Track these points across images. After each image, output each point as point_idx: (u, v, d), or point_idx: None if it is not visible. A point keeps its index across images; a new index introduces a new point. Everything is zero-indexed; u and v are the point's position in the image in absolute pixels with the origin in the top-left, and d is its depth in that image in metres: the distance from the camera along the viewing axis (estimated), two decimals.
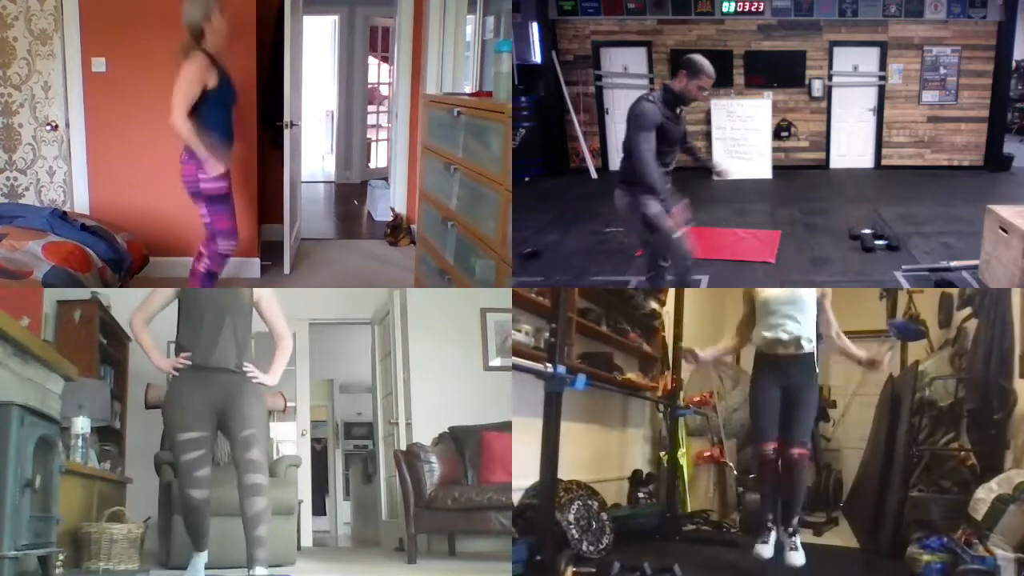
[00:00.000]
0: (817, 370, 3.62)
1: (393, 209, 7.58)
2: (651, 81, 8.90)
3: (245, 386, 3.46)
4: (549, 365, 3.28)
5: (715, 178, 3.86)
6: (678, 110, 3.65)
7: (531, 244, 5.89)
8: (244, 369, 3.48)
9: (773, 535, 3.55)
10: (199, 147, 4.53)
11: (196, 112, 4.56)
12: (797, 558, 3.52)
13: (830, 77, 8.94)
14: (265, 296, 3.64)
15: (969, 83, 8.79)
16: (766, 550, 3.54)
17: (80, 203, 5.73)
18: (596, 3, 8.88)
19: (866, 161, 9.15)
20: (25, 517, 2.58)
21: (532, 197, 7.66)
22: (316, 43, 10.75)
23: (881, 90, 8.95)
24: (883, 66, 8.85)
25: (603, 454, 4.84)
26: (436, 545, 5.40)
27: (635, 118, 3.60)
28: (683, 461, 5.16)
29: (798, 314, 3.53)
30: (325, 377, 8.81)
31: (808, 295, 3.57)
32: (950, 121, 8.95)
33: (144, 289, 5.05)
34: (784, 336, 3.51)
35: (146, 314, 3.59)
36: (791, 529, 3.53)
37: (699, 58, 3.66)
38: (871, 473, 4.76)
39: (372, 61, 11.29)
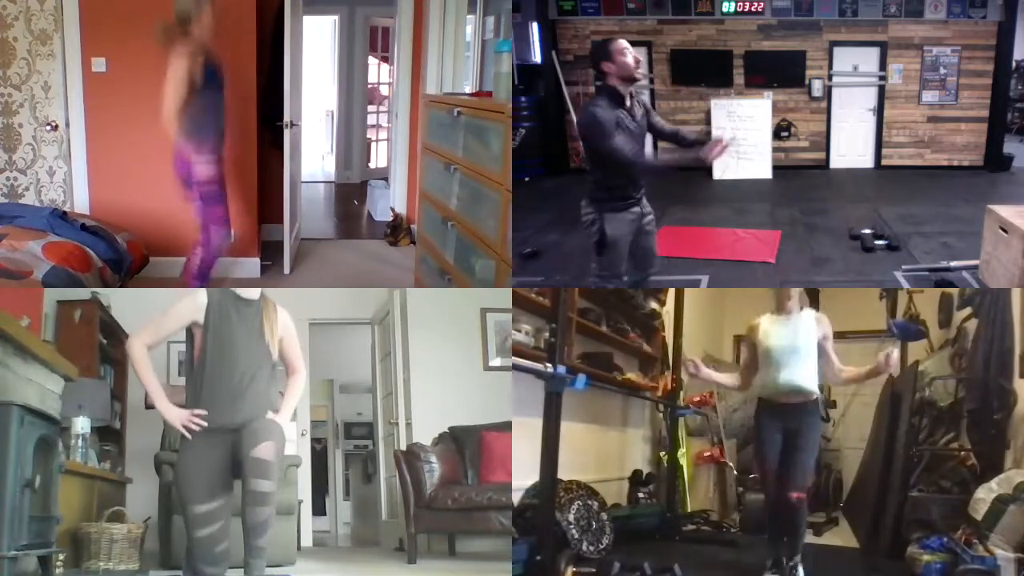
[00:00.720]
0: (822, 413, 3.60)
1: (393, 209, 7.58)
2: (651, 81, 8.90)
3: (263, 429, 3.03)
4: (549, 365, 3.28)
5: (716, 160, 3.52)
6: (629, 104, 3.39)
7: (531, 244, 5.89)
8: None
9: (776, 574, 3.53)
10: (187, 148, 4.54)
11: (186, 104, 4.56)
12: None
13: (830, 77, 8.94)
14: (288, 334, 3.22)
15: (969, 83, 8.79)
16: None
17: (80, 203, 5.73)
18: (596, 3, 8.88)
19: (866, 161, 9.15)
20: (25, 517, 2.59)
21: (532, 197, 7.66)
22: (316, 43, 10.75)
23: (881, 90, 8.95)
24: (883, 66, 8.86)
25: (603, 454, 4.84)
26: (436, 545, 5.40)
27: (591, 127, 3.32)
28: (683, 461, 5.16)
29: (800, 363, 3.47)
30: (325, 377, 8.81)
31: (809, 342, 3.49)
32: (950, 121, 8.95)
33: (144, 289, 5.07)
34: (785, 386, 3.47)
35: (150, 339, 3.10)
36: (792, 563, 3.49)
37: (598, 42, 3.46)
38: (871, 473, 4.77)
39: (372, 61, 11.29)
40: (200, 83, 4.50)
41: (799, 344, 3.49)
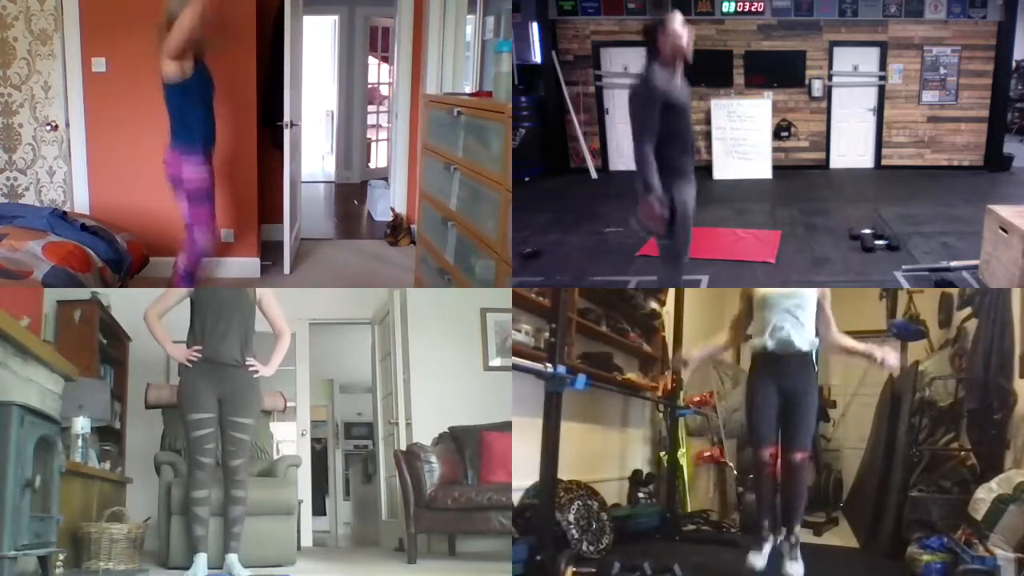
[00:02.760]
0: (817, 369, 3.49)
1: (393, 209, 7.58)
2: None
3: (245, 381, 3.86)
4: (549, 365, 3.28)
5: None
6: (678, 81, 3.42)
7: (531, 244, 5.89)
8: (247, 363, 3.85)
9: (768, 545, 3.41)
10: (177, 148, 4.56)
11: (173, 104, 4.56)
12: (796, 569, 3.35)
13: (830, 77, 8.94)
14: (266, 295, 4.03)
15: (969, 83, 8.78)
16: (759, 559, 3.38)
17: (80, 203, 5.73)
18: (596, 3, 8.88)
19: (866, 161, 9.15)
20: (25, 517, 2.59)
21: (532, 197, 7.66)
22: (316, 43, 10.75)
23: (881, 90, 8.95)
24: (883, 66, 8.85)
25: (603, 454, 4.84)
26: (436, 545, 5.40)
27: (637, 94, 3.34)
28: (683, 461, 5.16)
29: (798, 312, 3.36)
30: (325, 377, 8.81)
31: (808, 293, 3.41)
32: (950, 121, 8.95)
33: (144, 289, 5.08)
34: (783, 335, 3.34)
35: (160, 309, 3.92)
36: (792, 538, 3.38)
37: (655, 18, 3.49)
38: (871, 473, 4.77)
39: (372, 61, 11.29)
40: (190, 83, 4.50)
41: (797, 293, 3.39)
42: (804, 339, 3.37)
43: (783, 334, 3.36)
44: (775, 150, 8.87)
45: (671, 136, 3.39)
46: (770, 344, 3.38)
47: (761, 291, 3.46)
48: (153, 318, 3.88)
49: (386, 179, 9.31)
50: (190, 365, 3.81)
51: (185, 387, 3.83)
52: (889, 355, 3.41)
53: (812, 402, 3.42)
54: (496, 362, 5.80)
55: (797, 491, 3.38)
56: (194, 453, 3.81)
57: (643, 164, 3.35)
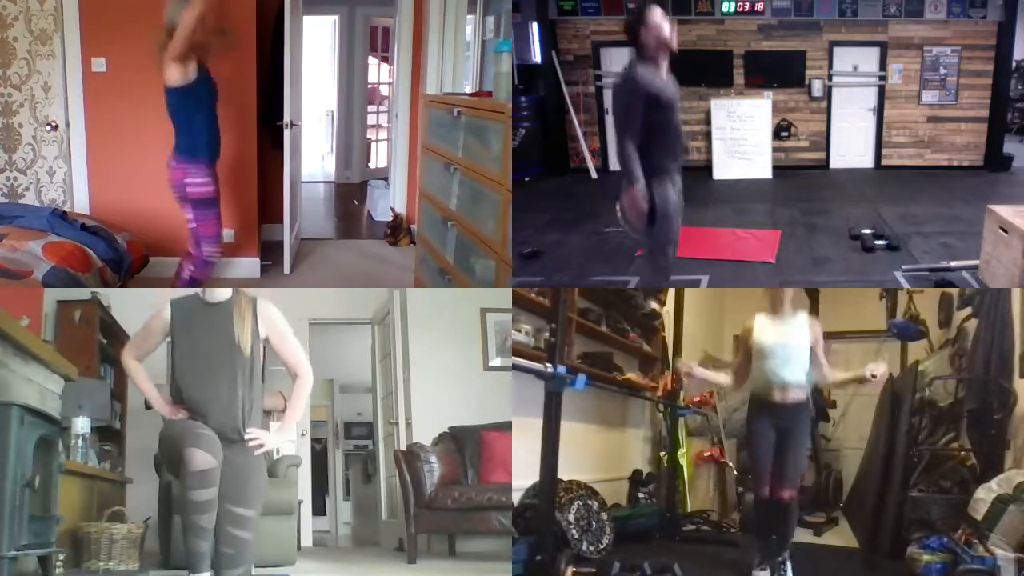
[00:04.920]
0: (812, 415, 3.69)
1: (393, 209, 7.58)
2: None
3: (244, 459, 2.98)
4: (549, 365, 3.28)
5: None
6: (664, 76, 3.36)
7: (531, 244, 5.89)
8: (246, 436, 2.99)
9: (767, 573, 3.62)
10: (181, 166, 4.55)
11: (176, 109, 4.55)
12: None
13: (830, 77, 8.94)
14: (275, 329, 3.10)
15: (969, 83, 8.79)
16: None
17: (80, 203, 5.73)
18: (596, 3, 8.88)
19: (866, 161, 9.15)
20: (25, 517, 2.58)
21: (532, 197, 7.66)
22: (316, 43, 10.75)
23: (881, 90, 8.95)
24: (883, 66, 8.86)
25: (603, 454, 4.84)
26: (436, 545, 5.40)
27: (622, 88, 3.30)
28: (683, 461, 5.16)
29: (792, 362, 3.54)
30: (325, 377, 8.81)
31: (801, 342, 3.56)
32: (950, 121, 8.95)
33: (144, 289, 5.08)
34: (778, 383, 3.54)
35: (137, 352, 3.19)
36: (781, 559, 3.60)
37: (634, 10, 3.39)
38: (871, 473, 4.77)
39: (372, 61, 11.29)
40: (193, 89, 4.49)
41: (792, 342, 3.56)
42: (797, 387, 3.56)
43: (777, 383, 3.55)
44: (775, 150, 8.87)
45: (654, 133, 3.36)
46: (765, 391, 3.59)
47: (758, 342, 3.60)
48: (131, 363, 3.17)
49: (386, 179, 9.30)
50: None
51: (167, 433, 2.98)
52: (877, 368, 3.57)
53: (803, 443, 3.65)
54: (496, 362, 5.81)
55: (786, 526, 3.61)
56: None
57: (626, 159, 3.35)
